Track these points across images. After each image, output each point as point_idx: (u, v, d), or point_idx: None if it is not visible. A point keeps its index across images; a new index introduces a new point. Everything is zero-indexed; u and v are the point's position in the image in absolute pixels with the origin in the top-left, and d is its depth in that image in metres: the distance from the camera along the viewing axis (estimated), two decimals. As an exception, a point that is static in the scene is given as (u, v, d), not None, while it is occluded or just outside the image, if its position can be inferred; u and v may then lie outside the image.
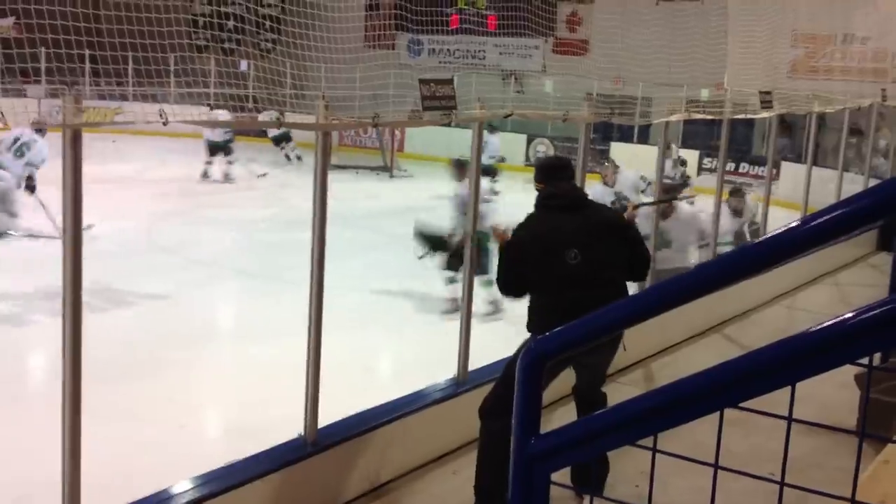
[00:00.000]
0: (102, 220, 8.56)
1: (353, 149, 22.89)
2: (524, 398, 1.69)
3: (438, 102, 5.64)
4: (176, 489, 3.66)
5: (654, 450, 1.57)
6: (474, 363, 5.27)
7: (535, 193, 4.47)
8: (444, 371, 5.23)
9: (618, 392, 5.82)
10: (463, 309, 5.20)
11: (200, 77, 22.65)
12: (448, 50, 24.55)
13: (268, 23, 25.53)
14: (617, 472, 3.74)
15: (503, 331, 7.05)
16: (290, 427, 4.27)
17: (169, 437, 5.24)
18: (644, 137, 20.31)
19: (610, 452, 1.57)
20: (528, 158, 21.60)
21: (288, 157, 19.66)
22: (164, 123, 4.62)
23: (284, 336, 7.04)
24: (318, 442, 4.20)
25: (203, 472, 3.84)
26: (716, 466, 1.54)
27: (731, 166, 17.59)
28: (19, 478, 4.52)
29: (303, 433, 4.21)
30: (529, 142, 21.85)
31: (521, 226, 4.34)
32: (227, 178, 17.37)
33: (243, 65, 24.93)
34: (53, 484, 3.36)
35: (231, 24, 25.92)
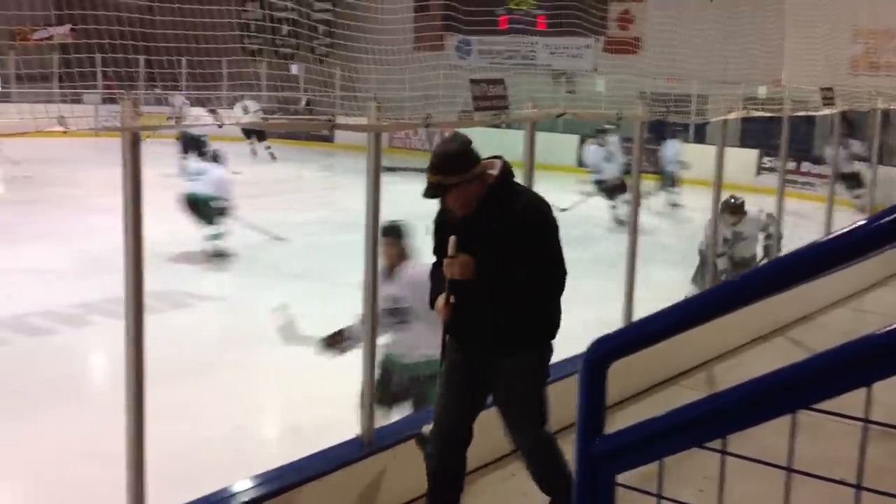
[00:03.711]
0: (160, 223, 8.69)
1: (403, 151, 22.97)
2: (588, 398, 1.66)
3: (490, 103, 5.62)
4: (234, 488, 3.68)
5: (724, 452, 1.53)
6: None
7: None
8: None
9: (678, 395, 5.75)
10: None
11: (253, 81, 22.99)
12: (497, 51, 24.52)
13: (322, 27, 25.76)
14: (680, 476, 3.67)
15: (561, 330, 7.01)
16: (345, 428, 4.28)
17: (227, 437, 5.29)
18: (700, 137, 19.97)
19: (673, 456, 1.54)
20: (579, 160, 21.44)
21: (273, 155, 20.16)
22: (220, 126, 4.70)
23: None
24: (374, 443, 4.19)
25: (260, 471, 3.86)
26: (789, 469, 1.50)
27: (792, 165, 17.19)
28: (84, 477, 4.60)
29: (360, 434, 4.20)
30: (582, 142, 21.65)
31: (549, 211, 3.80)
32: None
33: (294, 68, 25.23)
34: (117, 482, 3.40)
35: (286, 28, 26.21)
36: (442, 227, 3.75)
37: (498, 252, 3.54)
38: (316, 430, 4.99)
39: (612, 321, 5.44)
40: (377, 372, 4.56)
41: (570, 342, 6.04)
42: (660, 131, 13.30)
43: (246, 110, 19.99)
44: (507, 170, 3.72)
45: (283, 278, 9.72)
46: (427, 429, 3.96)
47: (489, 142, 17.81)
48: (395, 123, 4.80)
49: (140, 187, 3.21)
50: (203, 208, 10.56)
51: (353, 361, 4.40)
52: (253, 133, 19.91)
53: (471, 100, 5.59)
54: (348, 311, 7.90)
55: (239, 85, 22.21)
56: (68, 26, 26.91)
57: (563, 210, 15.19)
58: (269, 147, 20.23)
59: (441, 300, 3.65)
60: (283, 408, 6.01)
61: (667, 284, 8.08)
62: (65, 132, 3.30)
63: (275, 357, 7.05)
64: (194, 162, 17.74)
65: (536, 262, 3.57)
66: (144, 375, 3.28)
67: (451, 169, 3.55)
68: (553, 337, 3.84)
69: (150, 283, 3.31)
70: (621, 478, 1.61)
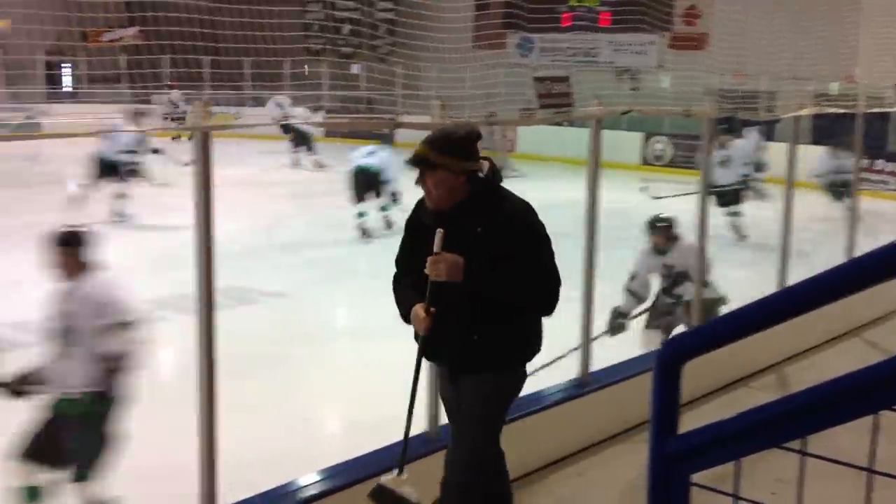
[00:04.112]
0: (225, 220, 8.84)
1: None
2: (662, 398, 1.64)
3: (554, 100, 5.57)
4: (301, 482, 3.72)
5: (804, 452, 1.50)
6: (596, 364, 5.19)
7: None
8: (566, 372, 5.15)
9: (748, 397, 5.66)
10: (584, 308, 5.12)
11: (314, 80, 23.23)
12: (559, 48, 24.37)
13: (383, 26, 25.90)
14: (753, 479, 3.60)
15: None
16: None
17: (293, 431, 5.36)
18: (770, 134, 19.52)
19: (746, 458, 1.51)
20: (644, 158, 21.20)
21: (320, 164, 18.68)
22: (283, 127, 4.76)
23: (402, 335, 7.18)
24: (440, 439, 4.19)
25: (327, 465, 3.90)
26: (870, 471, 1.46)
27: (865, 163, 16.73)
28: (155, 471, 4.70)
29: (427, 430, 4.22)
30: (647, 140, 21.40)
31: (538, 220, 3.40)
32: (317, 165, 18.40)
33: (355, 68, 25.45)
34: (187, 474, 3.46)
35: (348, 28, 26.44)
36: (414, 230, 3.39)
37: (481, 258, 3.17)
38: (382, 425, 5.03)
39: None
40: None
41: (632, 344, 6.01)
42: (733, 129, 12.65)
43: (281, 107, 20.03)
44: (495, 172, 3.37)
45: (347, 276, 9.81)
46: (386, 479, 3.30)
47: (551, 140, 17.79)
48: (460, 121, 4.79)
49: (210, 185, 3.26)
50: (373, 182, 11.95)
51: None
52: (302, 142, 19.01)
53: (533, 97, 5.55)
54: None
55: (301, 85, 22.51)
56: (137, 28, 27.58)
57: (656, 199, 14.96)
58: (315, 156, 19.53)
59: (420, 309, 3.25)
60: (348, 402, 6.05)
61: (736, 285, 7.94)
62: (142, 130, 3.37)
63: (338, 353, 7.14)
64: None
65: (527, 272, 3.21)
66: (216, 369, 3.33)
67: (446, 148, 3.20)
68: (530, 358, 3.48)
69: (216, 279, 3.35)
70: (695, 478, 1.59)
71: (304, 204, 14.71)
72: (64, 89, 29.01)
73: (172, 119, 21.44)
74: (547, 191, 16.95)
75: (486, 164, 3.29)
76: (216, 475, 3.36)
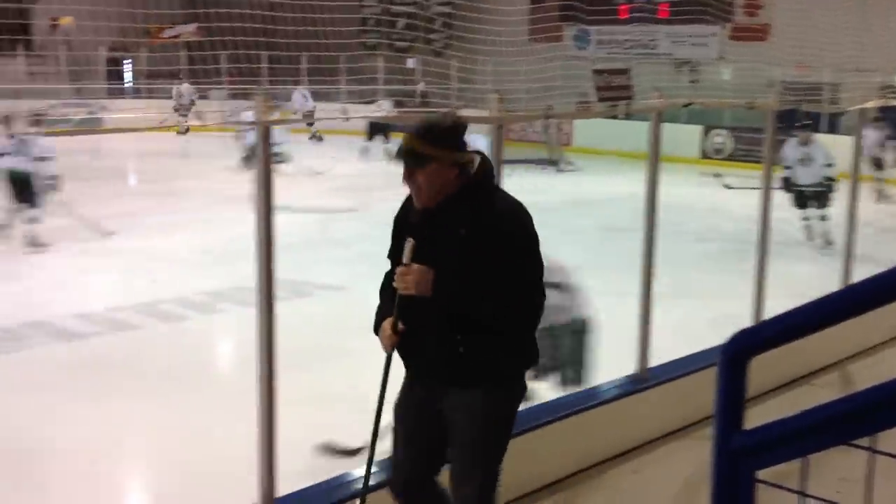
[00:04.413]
0: (281, 212, 8.94)
1: (516, 143, 22.91)
2: (727, 393, 1.62)
3: (614, 93, 5.52)
4: (357, 473, 3.70)
5: (874, 450, 1.47)
6: (655, 360, 5.14)
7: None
8: (624, 367, 5.10)
9: (813, 394, 5.55)
10: (642, 303, 5.07)
11: (369, 74, 23.33)
12: (617, 40, 24.13)
13: (439, 20, 25.93)
14: (818, 478, 3.53)
15: (684, 325, 6.89)
16: None
17: (352, 423, 5.40)
18: (833, 127, 19.01)
19: (811, 456, 1.48)
20: (703, 152, 20.89)
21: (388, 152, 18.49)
22: (346, 120, 4.80)
23: None
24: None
25: (383, 457, 3.92)
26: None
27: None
28: (215, 461, 4.77)
29: None
30: (706, 133, 21.07)
31: (530, 220, 3.01)
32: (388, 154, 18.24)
33: (411, 62, 25.52)
34: (248, 466, 3.51)
35: (403, 22, 26.53)
36: (401, 227, 3.05)
37: (463, 265, 2.82)
38: None
39: (739, 317, 5.30)
40: None
41: (695, 340, 5.91)
42: (791, 122, 11.99)
43: (306, 98, 20.43)
44: (487, 167, 2.99)
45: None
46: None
47: (608, 133, 17.58)
48: (518, 114, 4.77)
49: (271, 177, 3.29)
50: None
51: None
52: (379, 131, 19.37)
53: (590, 90, 5.50)
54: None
55: (357, 80, 22.64)
56: (196, 25, 28.04)
57: (728, 188, 14.73)
58: (389, 145, 19.87)
59: (387, 325, 2.97)
60: None
61: (795, 280, 7.82)
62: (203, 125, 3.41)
63: None
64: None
65: (509, 284, 2.84)
66: (276, 361, 3.36)
67: (437, 139, 2.86)
68: (525, 370, 3.09)
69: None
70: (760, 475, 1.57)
71: (357, 197, 14.79)
72: (125, 85, 29.58)
73: (181, 112, 21.83)
74: (603, 185, 16.86)
75: (476, 158, 2.95)
76: (275, 464, 3.39)
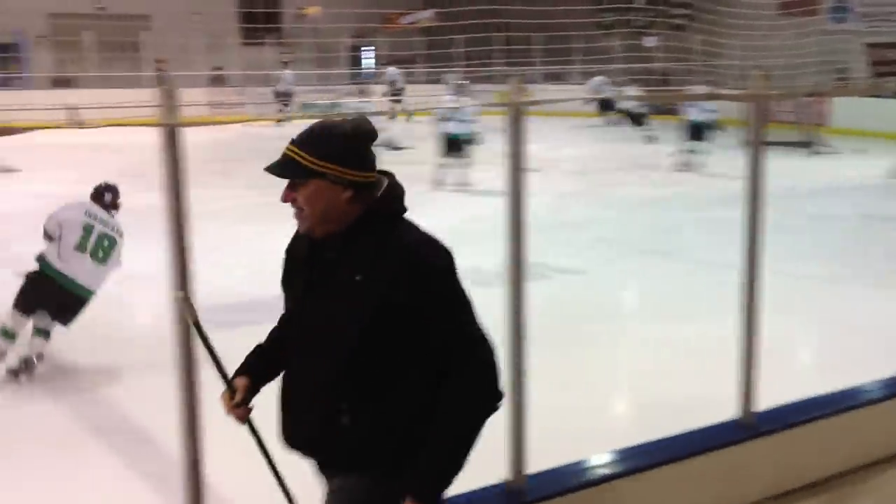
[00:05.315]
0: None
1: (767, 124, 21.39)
2: None
3: (892, 67, 4.79)
4: (594, 461, 3.60)
5: None
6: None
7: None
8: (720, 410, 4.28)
9: None
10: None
11: (605, 55, 22.73)
12: (883, 12, 21.91)
13: (678, -2, 24.96)
14: None
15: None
16: (715, 408, 3.95)
17: (596, 408, 5.29)
18: None
19: None
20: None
21: (649, 137, 18.50)
22: (585, 102, 4.45)
23: (702, 315, 6.82)
24: (755, 426, 3.87)
25: (623, 445, 3.73)
26: None
27: None
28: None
29: (739, 416, 3.88)
30: None
31: (445, 252, 2.25)
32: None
33: (649, 41, 24.59)
34: (495, 443, 3.30)
35: (641, 1, 25.67)
36: (293, 259, 2.35)
37: (361, 327, 2.15)
38: (685, 404, 4.78)
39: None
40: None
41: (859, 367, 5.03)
42: None
43: (602, 86, 19.84)
44: (396, 194, 2.27)
45: (636, 253, 9.38)
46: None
47: (872, 112, 15.99)
48: (782, 93, 4.22)
49: (522, 161, 3.14)
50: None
51: (718, 341, 3.95)
52: (632, 118, 19.12)
53: (853, 65, 4.80)
54: (709, 287, 7.42)
55: (592, 60, 22.11)
56: (433, 11, 28.58)
57: None
58: (648, 128, 19.30)
59: (227, 396, 2.31)
60: (651, 382, 5.73)
61: None
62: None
63: (637, 331, 6.92)
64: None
65: (441, 354, 2.17)
66: (526, 343, 3.26)
67: (318, 149, 2.17)
68: (410, 454, 2.19)
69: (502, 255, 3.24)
70: None
71: (590, 181, 14.42)
72: (365, 71, 30.67)
73: (391, 98, 21.94)
74: (865, 168, 15.38)
75: (383, 180, 2.26)
76: (524, 443, 3.27)
